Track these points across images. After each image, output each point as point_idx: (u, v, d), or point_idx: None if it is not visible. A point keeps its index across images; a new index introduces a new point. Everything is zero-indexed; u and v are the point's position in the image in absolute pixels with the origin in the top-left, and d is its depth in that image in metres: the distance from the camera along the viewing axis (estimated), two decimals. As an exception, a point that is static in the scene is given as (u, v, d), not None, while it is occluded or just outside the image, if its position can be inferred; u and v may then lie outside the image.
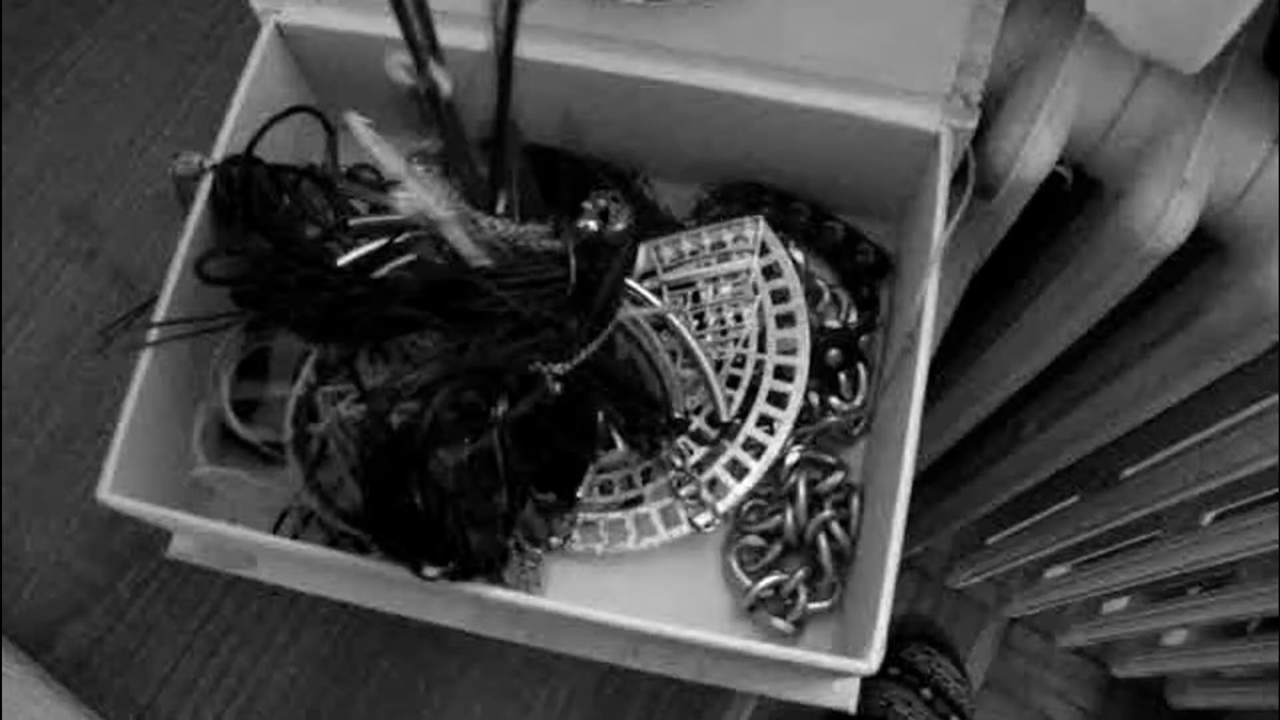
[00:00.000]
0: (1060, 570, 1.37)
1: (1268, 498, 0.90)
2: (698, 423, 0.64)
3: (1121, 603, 1.33)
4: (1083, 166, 0.76)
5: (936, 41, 0.60)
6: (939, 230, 0.60)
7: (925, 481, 1.31)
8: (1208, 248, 0.75)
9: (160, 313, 0.59)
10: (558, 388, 0.52)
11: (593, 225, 0.66)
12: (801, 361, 0.63)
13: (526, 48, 0.48)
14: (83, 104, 0.86)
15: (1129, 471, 1.04)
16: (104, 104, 0.86)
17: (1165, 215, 0.70)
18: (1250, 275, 0.69)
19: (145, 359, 0.59)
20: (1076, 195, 0.79)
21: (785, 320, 0.65)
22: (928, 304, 0.59)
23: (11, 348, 0.79)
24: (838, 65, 0.61)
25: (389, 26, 0.46)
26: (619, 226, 0.66)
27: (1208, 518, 1.02)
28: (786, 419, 0.63)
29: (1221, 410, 0.86)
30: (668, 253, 0.66)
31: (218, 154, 0.62)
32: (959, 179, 0.67)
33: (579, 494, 0.61)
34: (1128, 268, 0.74)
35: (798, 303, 0.64)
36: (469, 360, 0.50)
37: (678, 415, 0.62)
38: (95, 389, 0.77)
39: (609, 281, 0.55)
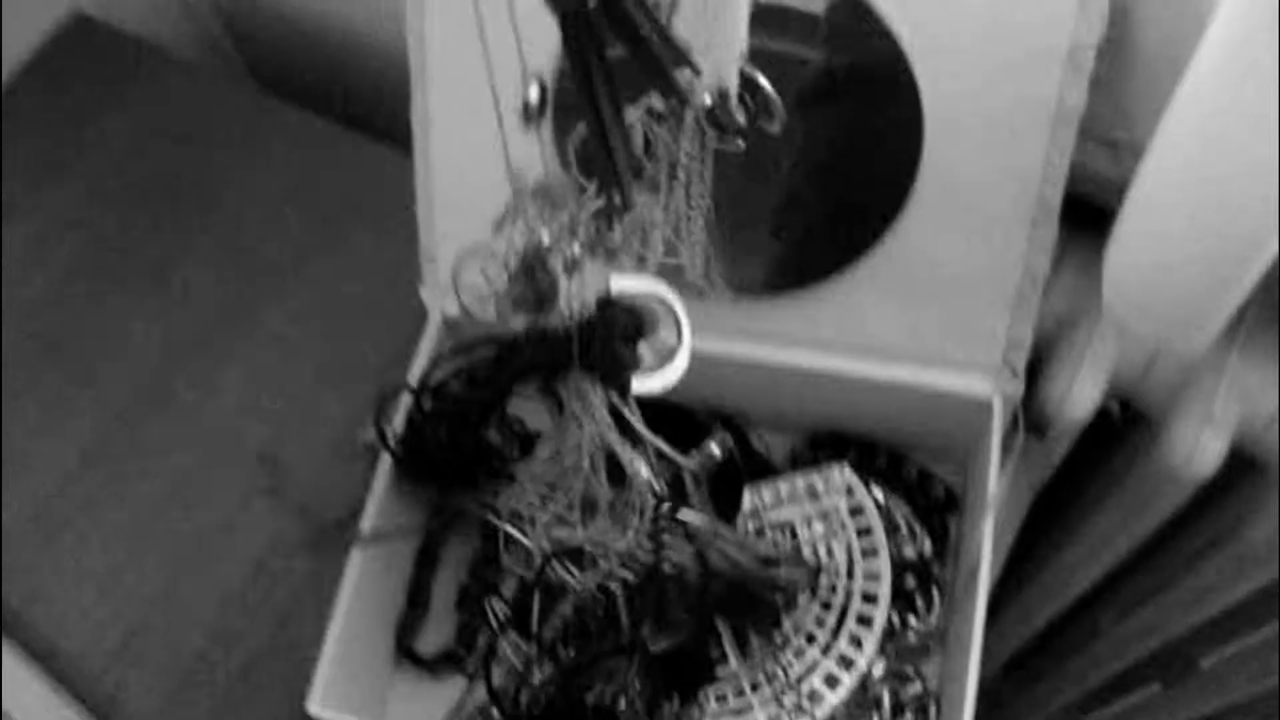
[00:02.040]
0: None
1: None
2: (797, 641, 0.76)
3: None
4: (1128, 401, 0.88)
5: (986, 324, 0.74)
6: (993, 481, 0.72)
7: (1013, 668, 1.39)
8: (1248, 466, 0.85)
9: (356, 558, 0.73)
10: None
11: (717, 452, 0.80)
12: (884, 589, 0.75)
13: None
14: (271, 360, 1.03)
15: (1206, 662, 1.12)
16: (289, 361, 1.02)
17: (1198, 448, 0.81)
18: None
19: (346, 588, 0.73)
20: (1125, 422, 0.90)
21: (869, 552, 0.77)
22: (985, 543, 0.71)
23: (212, 573, 0.93)
24: (903, 344, 0.75)
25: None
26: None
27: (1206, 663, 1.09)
28: (872, 637, 0.75)
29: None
30: (768, 496, 0.79)
31: (398, 423, 0.77)
32: (1017, 428, 0.79)
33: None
34: (1168, 493, 0.85)
35: (879, 537, 0.76)
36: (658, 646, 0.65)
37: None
38: (284, 612, 0.91)
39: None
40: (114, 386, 1.03)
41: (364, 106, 1.27)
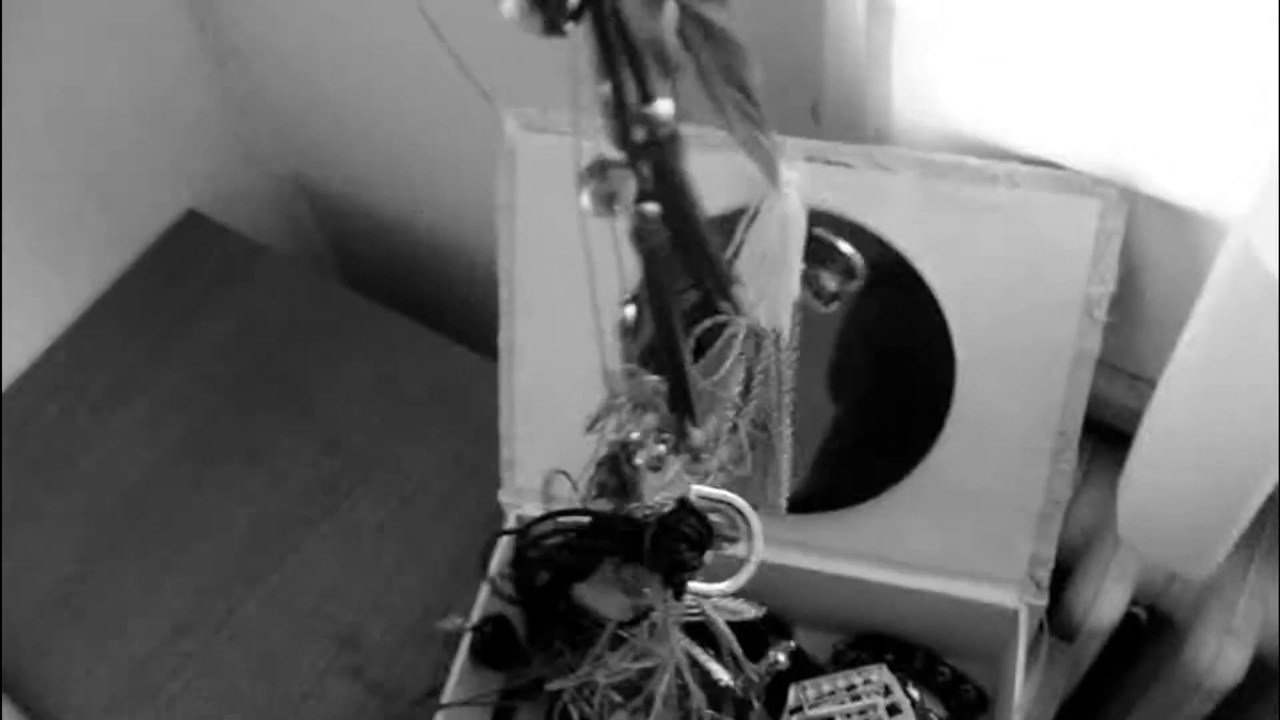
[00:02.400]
0: None
1: None
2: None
3: None
4: (1154, 607, 0.94)
5: (1013, 542, 0.81)
6: (1019, 685, 0.78)
7: None
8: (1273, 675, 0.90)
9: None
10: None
11: (783, 660, 0.86)
12: (919, 784, 0.81)
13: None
14: (354, 544, 1.11)
15: None
16: (370, 546, 1.11)
17: (1220, 658, 0.86)
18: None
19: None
20: (1152, 627, 0.96)
21: (905, 749, 0.82)
22: (1012, 749, 0.77)
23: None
24: (937, 558, 0.82)
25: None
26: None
27: None
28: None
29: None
30: (811, 692, 0.85)
31: (475, 615, 0.85)
32: (1043, 634, 0.86)
33: None
34: (1193, 701, 0.90)
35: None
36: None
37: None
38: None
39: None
40: (208, 563, 1.12)
41: (445, 307, 1.39)
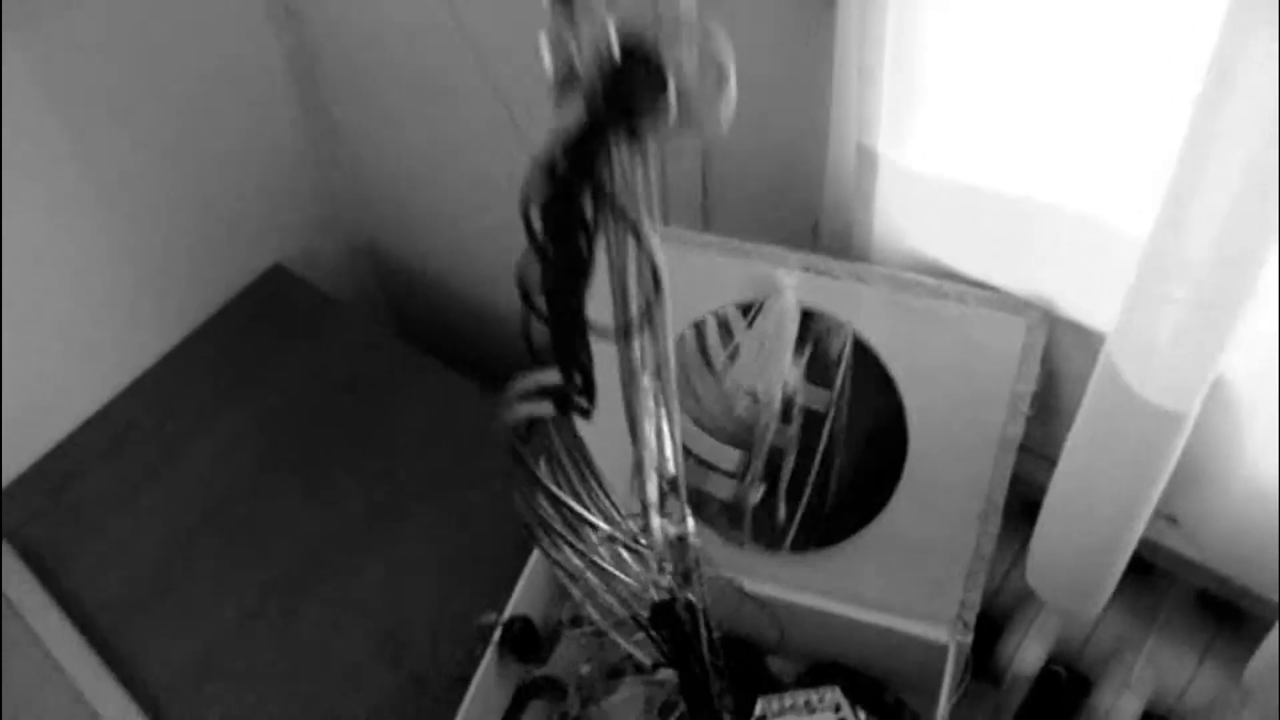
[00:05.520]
0: None
1: None
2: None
3: None
4: (1073, 668, 1.12)
5: (946, 588, 1.00)
6: (943, 706, 0.97)
7: None
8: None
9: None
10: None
11: None
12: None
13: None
14: (404, 559, 1.30)
15: None
16: (419, 561, 1.30)
17: (1114, 709, 1.04)
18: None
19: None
20: (1072, 687, 1.13)
21: (849, 756, 1.00)
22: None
23: (336, 718, 1.19)
24: (884, 597, 1.01)
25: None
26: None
27: None
28: None
29: None
30: (775, 705, 1.03)
31: (507, 612, 1.04)
32: (968, 670, 1.04)
33: None
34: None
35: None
36: None
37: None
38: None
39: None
40: (275, 565, 1.31)
41: (494, 362, 1.60)
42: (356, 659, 1.23)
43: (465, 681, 1.04)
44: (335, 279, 1.73)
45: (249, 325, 1.58)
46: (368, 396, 1.48)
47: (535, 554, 1.08)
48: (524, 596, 1.06)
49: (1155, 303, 0.71)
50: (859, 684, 1.07)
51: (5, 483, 1.40)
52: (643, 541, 0.74)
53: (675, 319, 0.62)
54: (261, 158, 1.58)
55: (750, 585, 1.03)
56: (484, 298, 1.64)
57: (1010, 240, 0.91)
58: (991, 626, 1.09)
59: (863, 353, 0.98)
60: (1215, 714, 1.04)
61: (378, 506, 1.36)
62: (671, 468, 0.70)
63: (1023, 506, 1.03)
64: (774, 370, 0.98)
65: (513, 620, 1.04)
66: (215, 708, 1.21)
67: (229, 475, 1.41)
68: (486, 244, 1.54)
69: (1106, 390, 0.78)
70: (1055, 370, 0.96)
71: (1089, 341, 0.91)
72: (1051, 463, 1.02)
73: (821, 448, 1.01)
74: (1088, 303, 0.90)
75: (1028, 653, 1.07)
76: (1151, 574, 1.04)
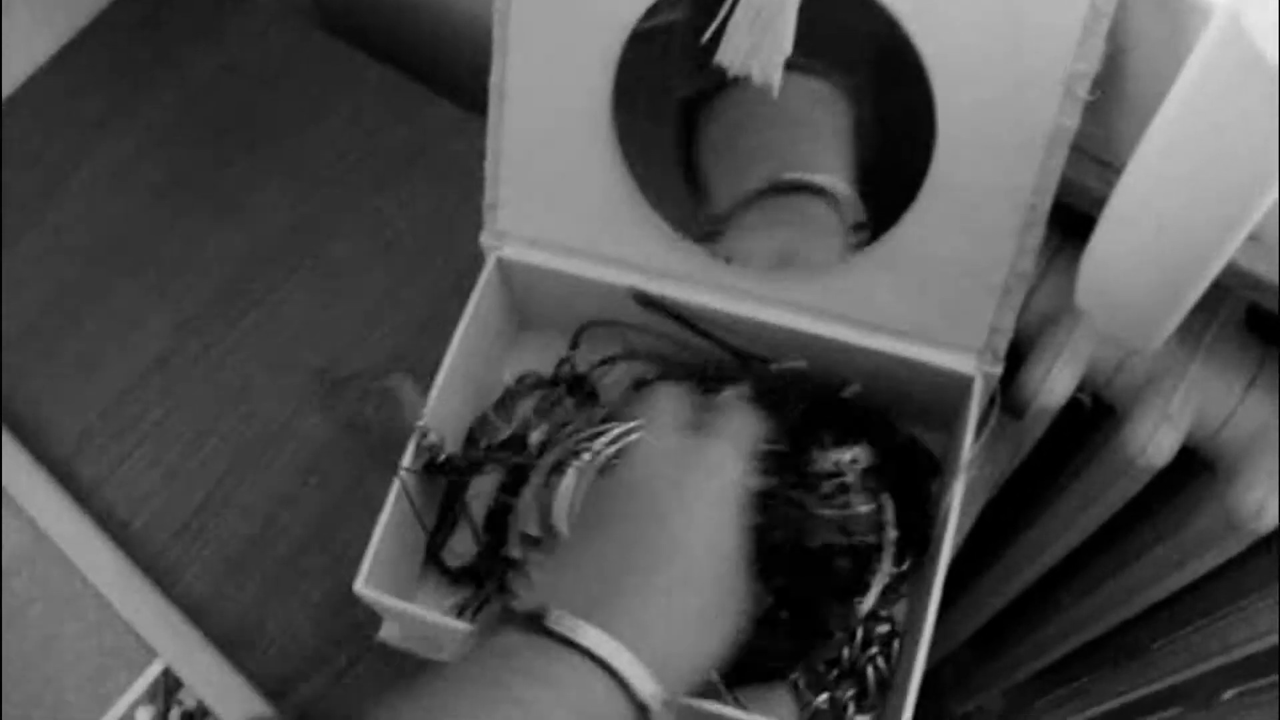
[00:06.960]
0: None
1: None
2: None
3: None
4: (1099, 395, 0.98)
5: (975, 312, 0.84)
6: (967, 446, 0.83)
7: (978, 642, 1.50)
8: (1202, 466, 0.95)
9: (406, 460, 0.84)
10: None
11: None
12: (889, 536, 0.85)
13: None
14: (331, 286, 1.13)
15: (1158, 643, 1.22)
16: (348, 287, 1.13)
17: (1153, 442, 0.91)
18: (1225, 492, 0.89)
19: (392, 493, 0.83)
20: (1096, 415, 1.00)
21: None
22: (954, 501, 0.81)
23: (267, 472, 1.04)
24: (902, 322, 0.85)
25: (584, 267, 0.71)
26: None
27: (1228, 694, 1.19)
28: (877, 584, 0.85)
29: (1237, 589, 1.05)
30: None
31: (447, 362, 0.87)
32: (994, 405, 0.90)
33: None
34: (1124, 482, 0.95)
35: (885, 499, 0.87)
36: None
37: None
38: (328, 511, 1.02)
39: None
40: (187, 298, 1.14)
41: (430, 63, 1.38)
42: (283, 405, 1.08)
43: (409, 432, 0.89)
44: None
45: (141, 27, 1.35)
46: (286, 100, 1.28)
47: (487, 268, 0.91)
48: (473, 328, 0.89)
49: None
50: (869, 421, 0.93)
51: None
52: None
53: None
54: None
55: (749, 309, 0.87)
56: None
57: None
58: (1013, 351, 0.95)
59: (883, 24, 0.78)
60: (1253, 449, 0.91)
61: (302, 223, 1.18)
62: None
63: (1060, 215, 0.86)
64: (773, 48, 0.78)
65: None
66: (128, 467, 1.06)
67: (123, 203, 1.21)
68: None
69: (1219, 60, 0.60)
70: (1122, 48, 0.77)
71: (1176, 9, 0.72)
72: (1107, 166, 0.85)
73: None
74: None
75: (1056, 382, 0.93)
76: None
